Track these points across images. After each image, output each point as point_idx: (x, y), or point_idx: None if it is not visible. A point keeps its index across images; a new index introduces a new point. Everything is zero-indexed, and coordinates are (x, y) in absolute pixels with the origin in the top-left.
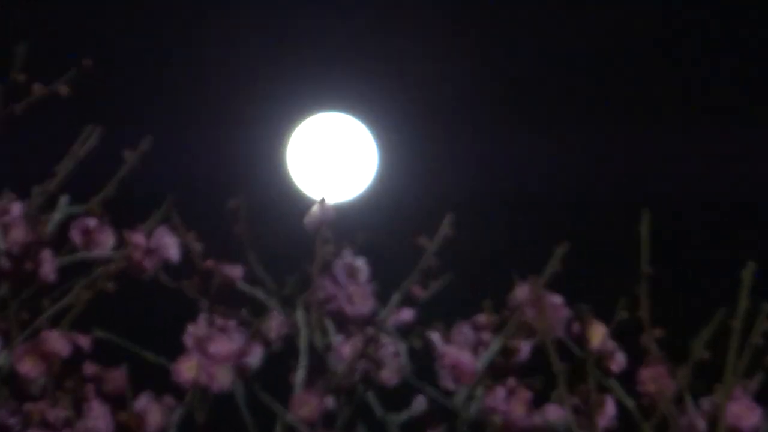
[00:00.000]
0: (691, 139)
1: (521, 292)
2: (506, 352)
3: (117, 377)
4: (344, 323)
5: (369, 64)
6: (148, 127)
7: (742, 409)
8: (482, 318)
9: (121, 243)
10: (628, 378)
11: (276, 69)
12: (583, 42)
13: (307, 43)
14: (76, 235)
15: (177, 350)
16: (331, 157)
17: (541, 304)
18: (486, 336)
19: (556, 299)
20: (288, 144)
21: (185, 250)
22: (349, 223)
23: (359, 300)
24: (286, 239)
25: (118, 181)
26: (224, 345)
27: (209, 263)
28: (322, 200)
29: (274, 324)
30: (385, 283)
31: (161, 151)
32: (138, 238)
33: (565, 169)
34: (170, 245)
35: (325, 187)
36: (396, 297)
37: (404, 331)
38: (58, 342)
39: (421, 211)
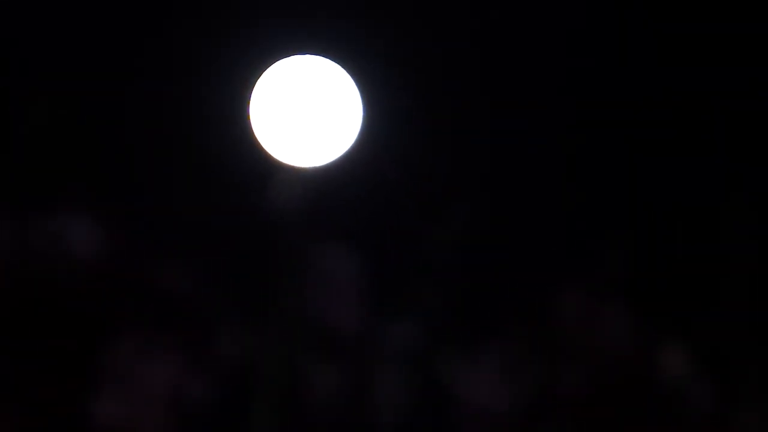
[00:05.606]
0: None
1: (567, 299)
2: (548, 382)
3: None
4: (324, 341)
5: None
6: None
7: None
8: (513, 335)
9: (21, 230)
10: (715, 416)
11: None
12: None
13: None
14: None
15: (90, 384)
16: (305, 112)
17: (594, 316)
18: (519, 361)
19: (617, 309)
20: (249, 95)
21: (106, 242)
22: (328, 199)
23: (343, 309)
24: (245, 223)
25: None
26: (156, 375)
27: (139, 260)
28: (293, 169)
29: (228, 344)
30: (378, 285)
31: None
32: (42, 224)
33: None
34: (83, 234)
35: (296, 150)
36: (395, 305)
37: (407, 354)
38: None
39: (418, 183)
